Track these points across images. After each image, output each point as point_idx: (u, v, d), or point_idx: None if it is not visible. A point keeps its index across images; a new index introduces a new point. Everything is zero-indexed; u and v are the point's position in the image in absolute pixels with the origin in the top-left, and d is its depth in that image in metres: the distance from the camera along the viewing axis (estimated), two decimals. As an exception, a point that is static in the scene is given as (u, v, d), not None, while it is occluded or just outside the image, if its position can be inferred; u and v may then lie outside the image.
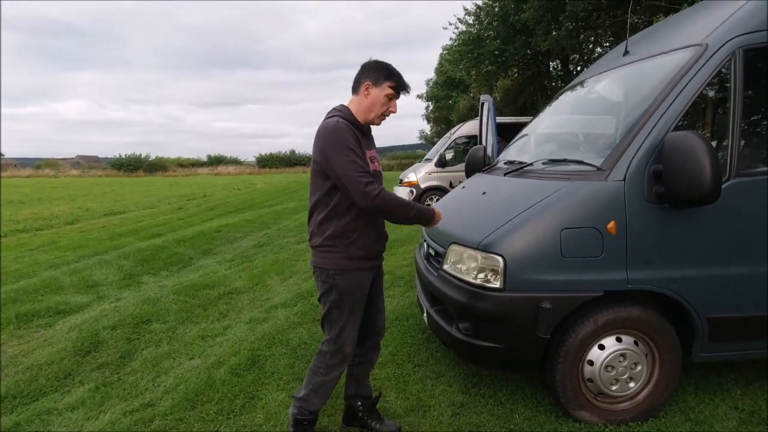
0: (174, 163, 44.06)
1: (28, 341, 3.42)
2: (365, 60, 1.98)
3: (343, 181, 1.79)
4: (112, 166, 41.84)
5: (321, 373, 2.01)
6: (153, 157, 42.60)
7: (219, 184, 22.51)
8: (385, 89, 1.91)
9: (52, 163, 45.59)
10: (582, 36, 14.76)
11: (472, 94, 25.64)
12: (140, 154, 41.79)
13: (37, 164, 45.84)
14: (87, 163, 53.05)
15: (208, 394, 2.57)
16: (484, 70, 17.67)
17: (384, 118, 1.98)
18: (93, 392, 2.64)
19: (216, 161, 45.29)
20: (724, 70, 2.12)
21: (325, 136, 1.84)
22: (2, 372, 2.94)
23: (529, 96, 19.40)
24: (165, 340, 3.36)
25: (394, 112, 1.98)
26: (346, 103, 1.99)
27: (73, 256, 6.30)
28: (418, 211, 1.95)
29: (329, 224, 1.93)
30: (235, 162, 45.76)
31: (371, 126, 2.02)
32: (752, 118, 2.37)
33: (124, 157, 41.37)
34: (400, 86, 1.94)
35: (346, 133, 1.82)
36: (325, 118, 1.94)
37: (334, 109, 1.98)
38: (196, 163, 45.79)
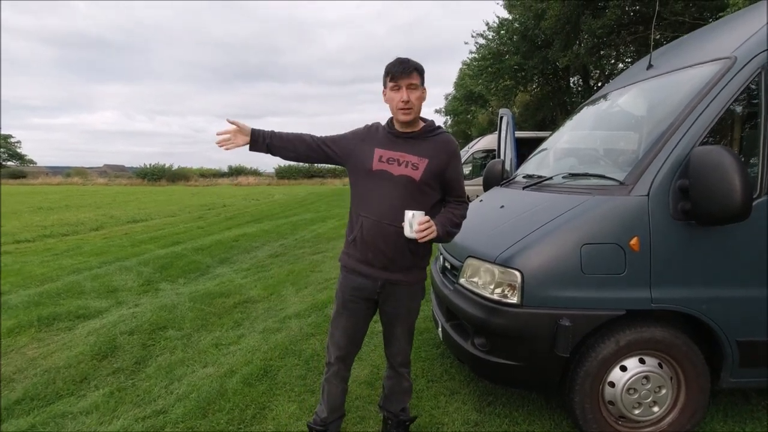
0: (196, 173, 45.05)
1: (48, 344, 3.48)
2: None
3: None
4: (137, 175, 43.01)
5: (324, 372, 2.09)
6: (176, 167, 43.68)
7: (238, 195, 22.88)
8: (388, 85, 1.87)
9: (80, 172, 47.17)
10: (603, 52, 14.63)
11: (491, 109, 25.59)
12: (164, 164, 42.89)
13: (66, 172, 47.51)
14: (113, 172, 54.71)
15: (219, 403, 2.56)
16: (503, 84, 17.65)
17: (405, 111, 1.83)
18: (107, 397, 2.66)
19: (236, 172, 46.12)
20: (753, 85, 2.05)
21: None
22: (22, 374, 3.00)
23: (549, 111, 19.25)
24: (179, 347, 3.38)
25: (404, 99, 1.81)
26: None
27: (95, 261, 6.45)
28: None
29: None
30: (255, 173, 46.50)
31: (415, 131, 1.90)
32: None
33: (148, 166, 42.54)
34: (392, 73, 1.83)
35: (355, 129, 2.02)
36: None
37: None
38: (217, 174, 46.73)
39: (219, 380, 2.82)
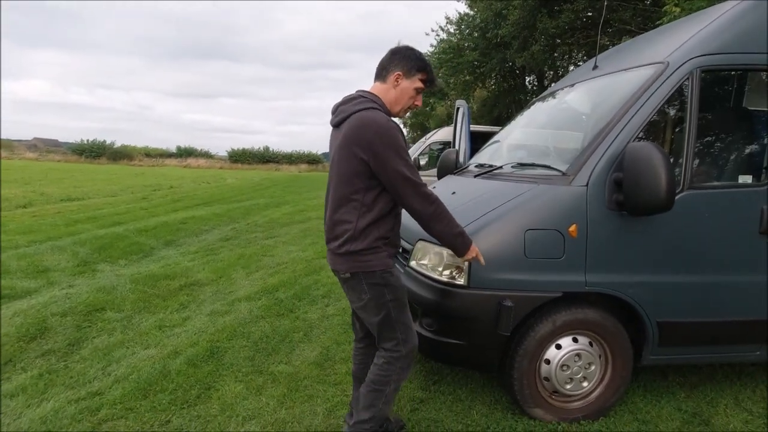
0: (140, 153, 42.23)
1: (-33, 325, 3.20)
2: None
3: (403, 185, 1.68)
4: (73, 151, 39.69)
5: (394, 379, 1.87)
6: (118, 144, 40.78)
7: (188, 177, 21.84)
8: (416, 82, 1.80)
9: (6, 145, 42.86)
10: (556, 53, 15.26)
11: (449, 102, 25.98)
12: (104, 141, 39.86)
13: (-13, 144, 42.96)
14: (45, 147, 50.17)
15: (161, 383, 2.48)
16: (463, 79, 17.97)
17: (408, 111, 1.87)
18: (36, 379, 2.50)
19: (186, 153, 43.71)
20: (682, 88, 2.23)
21: (379, 136, 1.66)
22: (-65, 356, 2.74)
23: (505, 108, 19.87)
24: (119, 329, 3.22)
25: (420, 105, 1.87)
26: (368, 89, 1.83)
27: (23, 240, 5.96)
28: (461, 234, 1.82)
29: (375, 227, 1.77)
30: (206, 155, 44.31)
31: None
32: (705, 136, 2.52)
33: (86, 142, 39.39)
34: (430, 80, 1.83)
35: (398, 133, 1.69)
36: (360, 108, 1.72)
37: (364, 98, 1.78)
38: (164, 154, 44.01)
39: (162, 361, 2.72)
